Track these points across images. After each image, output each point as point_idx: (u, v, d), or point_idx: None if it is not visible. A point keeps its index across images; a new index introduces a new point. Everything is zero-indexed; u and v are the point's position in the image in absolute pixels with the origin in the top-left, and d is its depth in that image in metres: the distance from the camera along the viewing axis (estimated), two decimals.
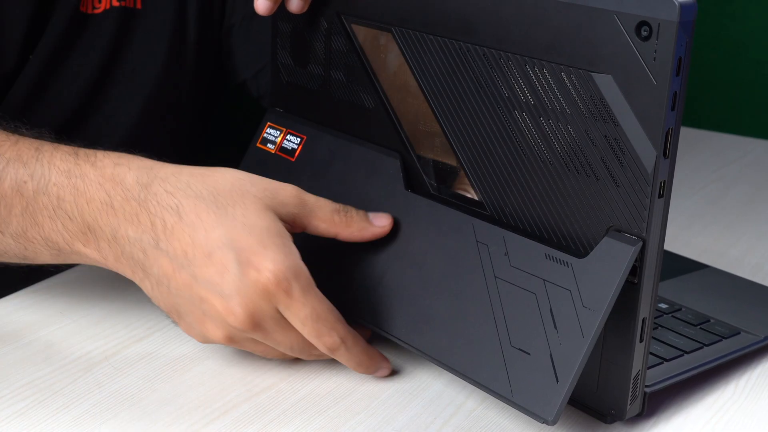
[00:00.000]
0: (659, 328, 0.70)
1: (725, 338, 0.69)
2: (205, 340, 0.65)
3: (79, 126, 0.91)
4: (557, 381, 0.57)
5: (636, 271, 0.57)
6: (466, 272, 0.64)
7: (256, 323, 0.62)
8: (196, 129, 1.04)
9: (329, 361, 0.70)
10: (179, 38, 0.94)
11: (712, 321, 0.71)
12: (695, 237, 0.89)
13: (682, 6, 0.52)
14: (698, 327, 0.70)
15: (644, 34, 0.53)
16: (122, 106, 0.93)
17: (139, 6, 0.90)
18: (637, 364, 0.59)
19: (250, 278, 0.61)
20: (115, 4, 0.89)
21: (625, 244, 0.57)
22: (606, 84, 0.56)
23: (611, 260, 0.57)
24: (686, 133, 1.17)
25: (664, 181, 0.56)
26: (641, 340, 0.58)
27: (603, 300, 0.56)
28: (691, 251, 0.84)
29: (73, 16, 0.87)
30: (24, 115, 0.88)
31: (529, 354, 0.59)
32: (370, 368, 0.67)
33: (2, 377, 0.68)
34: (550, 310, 0.59)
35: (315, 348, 0.65)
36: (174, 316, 0.66)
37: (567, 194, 0.60)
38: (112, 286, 0.81)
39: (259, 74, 0.99)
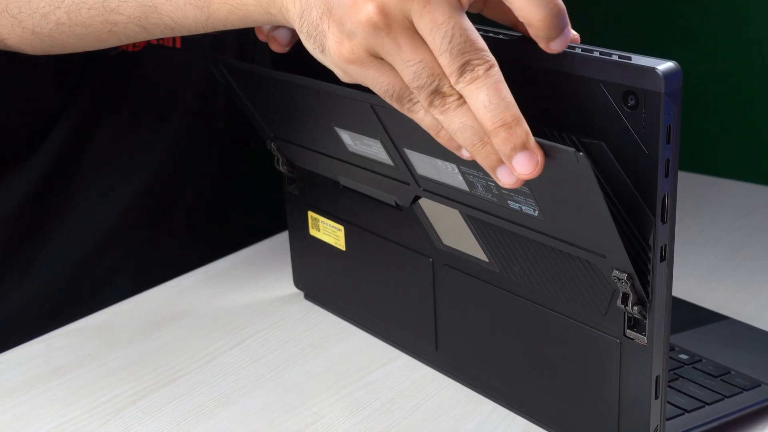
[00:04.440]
0: (680, 378, 0.70)
1: (746, 390, 0.69)
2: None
3: (120, 155, 0.94)
4: None
5: (644, 331, 0.58)
6: None
7: None
8: (234, 161, 1.06)
9: (354, 410, 0.71)
10: (214, 75, 0.96)
11: (732, 373, 0.72)
12: (715, 288, 0.90)
13: (666, 76, 0.50)
14: (719, 378, 0.71)
15: (631, 103, 0.52)
16: (157, 140, 0.96)
17: (179, 45, 0.93)
18: (654, 419, 0.60)
19: None
20: (153, 42, 0.91)
21: None
22: (599, 151, 0.55)
23: None
24: (707, 182, 1.18)
25: (665, 245, 0.55)
26: (656, 397, 0.59)
27: None
28: (711, 302, 0.85)
29: (111, 55, 0.90)
30: (67, 148, 0.91)
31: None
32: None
33: (34, 419, 0.70)
34: None
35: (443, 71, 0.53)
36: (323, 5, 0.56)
37: (573, 258, 0.60)
38: (140, 330, 0.83)
39: None
